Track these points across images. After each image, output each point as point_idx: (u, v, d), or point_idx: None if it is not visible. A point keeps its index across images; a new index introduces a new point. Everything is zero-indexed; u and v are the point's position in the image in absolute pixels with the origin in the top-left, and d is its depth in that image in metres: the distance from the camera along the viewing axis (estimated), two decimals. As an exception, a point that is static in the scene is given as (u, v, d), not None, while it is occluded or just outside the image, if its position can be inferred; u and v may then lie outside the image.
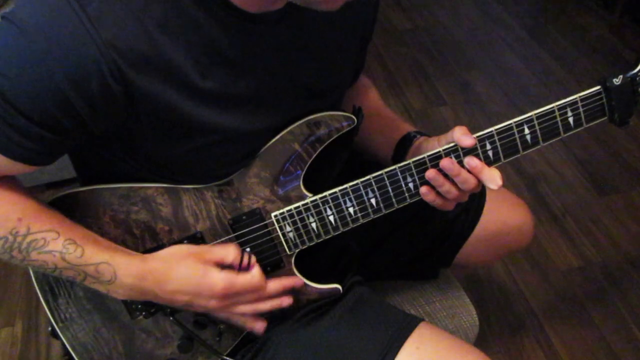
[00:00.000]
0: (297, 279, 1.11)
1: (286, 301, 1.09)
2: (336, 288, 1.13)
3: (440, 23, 3.72)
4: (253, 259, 1.05)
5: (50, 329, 1.13)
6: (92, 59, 0.81)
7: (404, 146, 1.17)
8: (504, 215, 1.42)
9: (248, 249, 1.07)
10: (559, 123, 1.00)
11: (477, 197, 1.38)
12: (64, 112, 0.84)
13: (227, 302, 1.02)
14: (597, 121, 1.01)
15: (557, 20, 3.65)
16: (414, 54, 3.45)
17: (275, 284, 1.07)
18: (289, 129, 1.02)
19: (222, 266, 1.01)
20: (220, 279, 0.99)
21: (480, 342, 1.60)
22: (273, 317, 1.13)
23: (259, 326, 1.09)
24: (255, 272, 1.03)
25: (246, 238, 1.07)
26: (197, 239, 1.06)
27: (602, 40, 3.45)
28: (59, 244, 0.94)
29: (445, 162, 0.99)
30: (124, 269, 0.97)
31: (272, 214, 1.05)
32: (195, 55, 0.87)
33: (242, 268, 1.03)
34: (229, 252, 1.02)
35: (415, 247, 1.40)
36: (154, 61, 0.85)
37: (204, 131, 0.93)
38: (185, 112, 0.90)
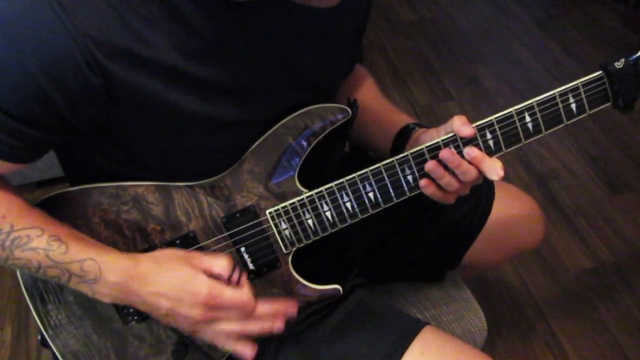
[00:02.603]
0: (291, 303, 1.06)
1: (278, 326, 1.04)
2: (336, 289, 1.13)
3: (446, 15, 3.72)
4: (244, 276, 1.04)
5: (39, 337, 1.13)
6: (66, 49, 0.82)
7: (402, 138, 1.17)
8: (513, 214, 1.43)
9: (243, 249, 1.07)
10: (561, 110, 1.00)
11: (485, 195, 1.38)
12: (42, 106, 0.85)
13: (211, 315, 0.99)
14: (601, 107, 1.02)
15: (568, 11, 3.65)
16: (419, 47, 3.46)
17: (265, 307, 1.03)
18: (282, 122, 1.02)
19: (211, 276, 1.00)
20: (205, 285, 0.97)
21: (488, 347, 1.61)
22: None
23: (249, 352, 1.04)
24: (245, 289, 1.01)
25: (240, 237, 1.07)
26: (189, 239, 1.06)
27: (615, 32, 3.44)
28: (43, 241, 0.95)
29: (444, 153, 0.99)
30: (110, 266, 0.96)
31: (267, 211, 1.06)
32: (179, 44, 0.88)
33: (231, 283, 1.02)
34: (218, 262, 1.00)
35: (421, 248, 1.40)
36: (134, 50, 0.85)
37: (191, 121, 0.94)
38: (170, 100, 0.90)
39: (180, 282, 0.98)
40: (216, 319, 1.00)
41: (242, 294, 1.00)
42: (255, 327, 1.03)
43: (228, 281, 1.01)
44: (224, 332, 1.02)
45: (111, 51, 0.84)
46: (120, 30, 0.84)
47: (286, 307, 1.05)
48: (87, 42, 0.82)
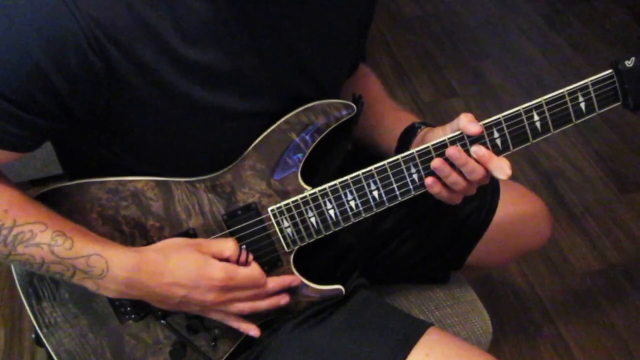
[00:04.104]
0: (296, 277, 1.11)
1: (284, 299, 1.10)
2: (338, 289, 1.14)
3: (451, 9, 3.71)
4: (251, 256, 1.07)
5: (34, 335, 1.13)
6: (71, 32, 0.83)
7: (407, 138, 1.17)
8: (519, 213, 1.43)
9: (244, 247, 1.08)
10: (570, 109, 1.01)
11: (490, 194, 1.38)
12: (42, 89, 0.86)
13: (226, 297, 1.03)
14: (611, 106, 1.02)
15: (576, 5, 3.64)
16: (423, 42, 3.45)
17: (274, 281, 1.08)
18: (285, 118, 1.02)
19: (220, 260, 1.03)
20: (220, 269, 1.01)
21: (493, 350, 1.61)
22: (272, 321, 1.14)
23: (255, 331, 1.10)
24: (255, 266, 1.05)
25: (241, 234, 1.07)
26: (189, 236, 1.06)
27: (624, 27, 3.44)
28: (47, 236, 0.95)
29: (451, 151, 0.99)
30: (117, 261, 0.97)
31: (269, 209, 1.06)
32: (182, 29, 0.89)
33: (239, 264, 1.04)
34: (227, 245, 1.04)
35: (425, 248, 1.40)
36: (138, 35, 0.86)
37: (191, 109, 0.95)
38: (171, 85, 0.91)
39: (194, 269, 1.00)
40: (229, 301, 1.04)
41: (254, 270, 1.05)
42: (264, 303, 1.08)
43: (238, 261, 1.04)
44: (236, 310, 1.06)
45: (114, 33, 0.85)
46: (125, 13, 0.85)
47: (292, 281, 1.11)
48: (90, 23, 0.83)
